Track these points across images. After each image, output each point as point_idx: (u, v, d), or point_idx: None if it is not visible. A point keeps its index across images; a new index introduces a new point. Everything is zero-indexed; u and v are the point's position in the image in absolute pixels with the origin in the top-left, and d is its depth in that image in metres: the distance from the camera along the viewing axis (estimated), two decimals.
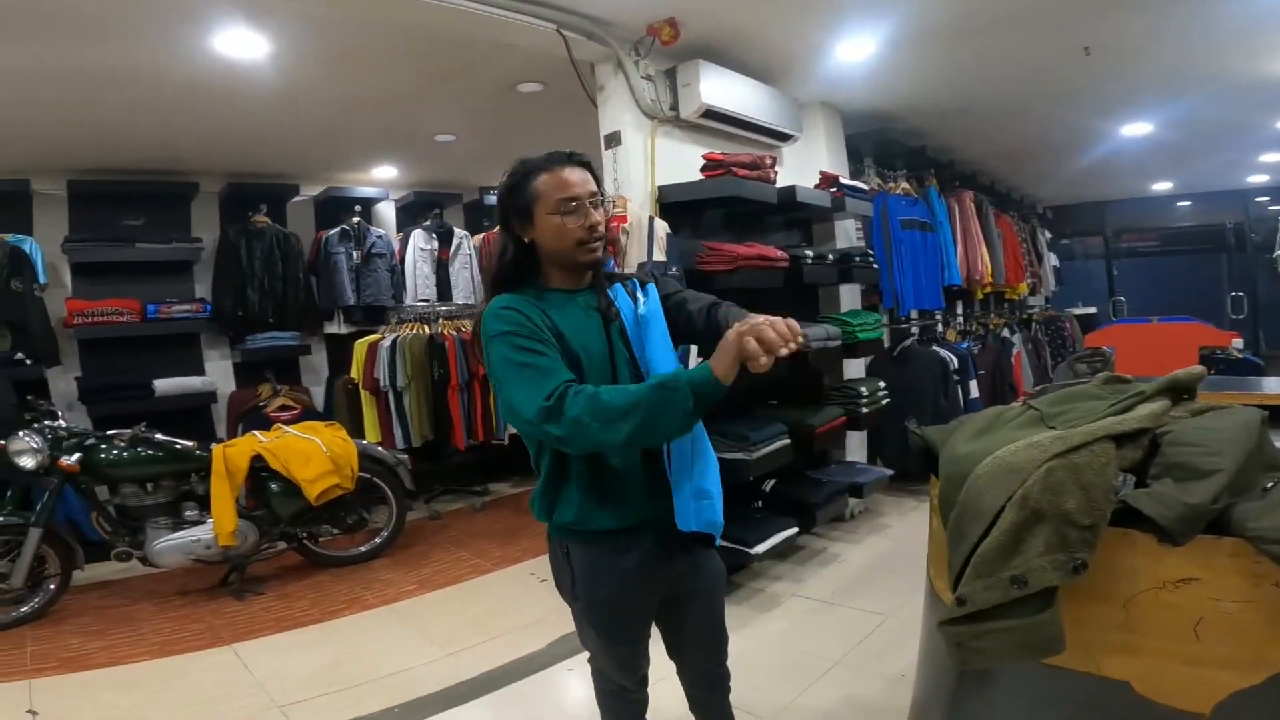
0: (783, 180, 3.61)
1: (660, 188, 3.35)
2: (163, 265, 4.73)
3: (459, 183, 6.03)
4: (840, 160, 4.62)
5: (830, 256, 3.77)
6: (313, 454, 3.74)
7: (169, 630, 3.21)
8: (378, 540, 4.11)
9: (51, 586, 3.42)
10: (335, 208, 5.37)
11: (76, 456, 3.37)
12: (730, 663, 1.66)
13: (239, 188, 4.98)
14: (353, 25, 3.08)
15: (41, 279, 4.22)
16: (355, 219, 5.25)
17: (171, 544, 3.47)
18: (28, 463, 3.31)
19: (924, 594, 1.66)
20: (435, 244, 5.55)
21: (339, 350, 5.35)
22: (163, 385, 4.50)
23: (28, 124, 3.76)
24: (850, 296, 4.42)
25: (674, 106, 3.55)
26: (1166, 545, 1.08)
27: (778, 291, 3.42)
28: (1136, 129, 5.54)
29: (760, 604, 3.13)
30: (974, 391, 4.76)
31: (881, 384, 4.03)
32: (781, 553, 3.43)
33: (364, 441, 4.22)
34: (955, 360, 4.66)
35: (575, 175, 1.35)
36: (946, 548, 1.24)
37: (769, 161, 3.48)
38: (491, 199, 6.08)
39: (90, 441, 3.46)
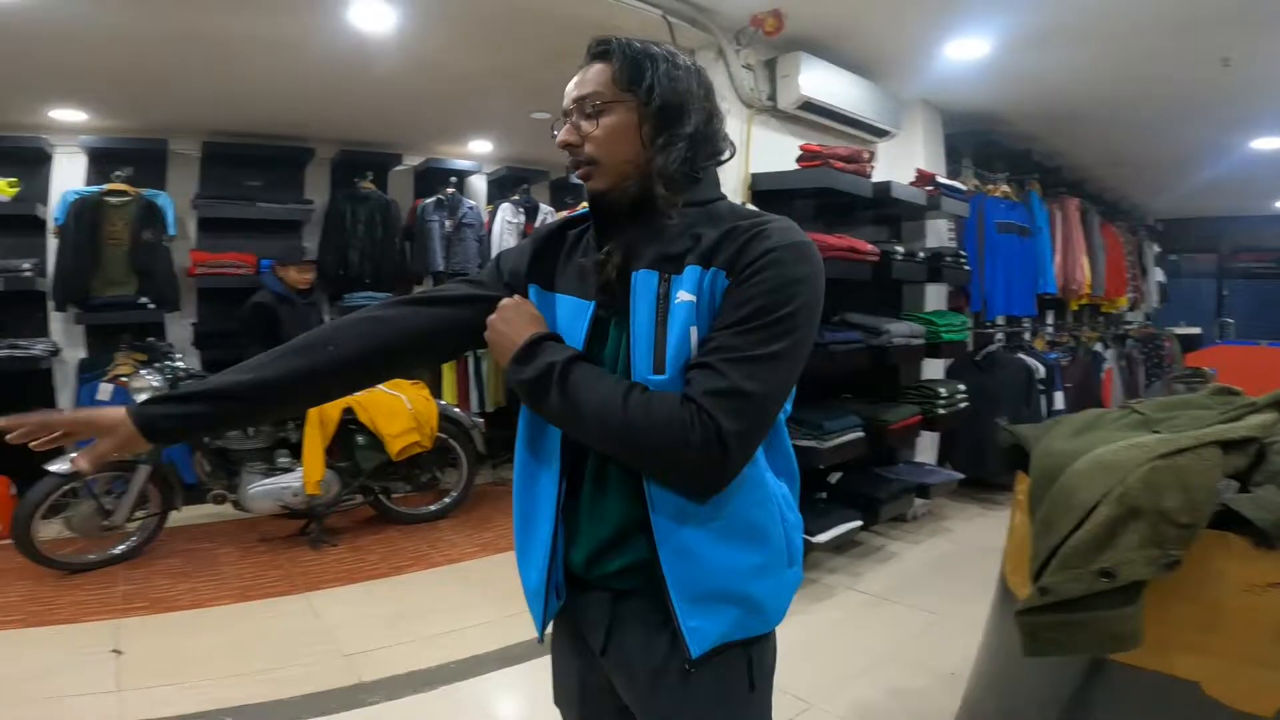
0: (876, 175, 3.58)
1: (753, 175, 3.37)
2: (277, 224, 5.02)
3: (548, 160, 6.17)
4: (938, 158, 4.52)
5: (921, 254, 3.71)
6: (398, 410, 3.91)
7: (250, 576, 3.38)
8: (446, 500, 4.26)
9: (150, 526, 3.54)
10: (432, 178, 5.58)
11: None
12: (779, 647, 1.22)
13: (349, 155, 5.24)
14: (471, 2, 3.18)
15: (171, 231, 4.55)
16: (450, 189, 5.43)
17: (264, 489, 3.62)
18: None
19: (994, 590, 1.66)
20: (521, 218, 5.70)
21: None
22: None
23: (172, 87, 4.02)
24: (936, 296, 4.34)
25: (771, 96, 3.56)
26: (1263, 549, 1.07)
27: (864, 285, 3.40)
28: (1269, 143, 5.18)
29: (814, 594, 3.16)
30: (1058, 403, 4.60)
31: (961, 387, 3.95)
32: (839, 546, 3.43)
33: (444, 402, 4.40)
34: (1042, 369, 4.51)
35: (574, 80, 0.99)
36: (1030, 542, 1.25)
37: (866, 156, 3.45)
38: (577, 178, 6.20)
39: None
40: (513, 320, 0.94)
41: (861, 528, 3.41)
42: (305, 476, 3.64)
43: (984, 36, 3.49)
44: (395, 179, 5.63)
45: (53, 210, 4.44)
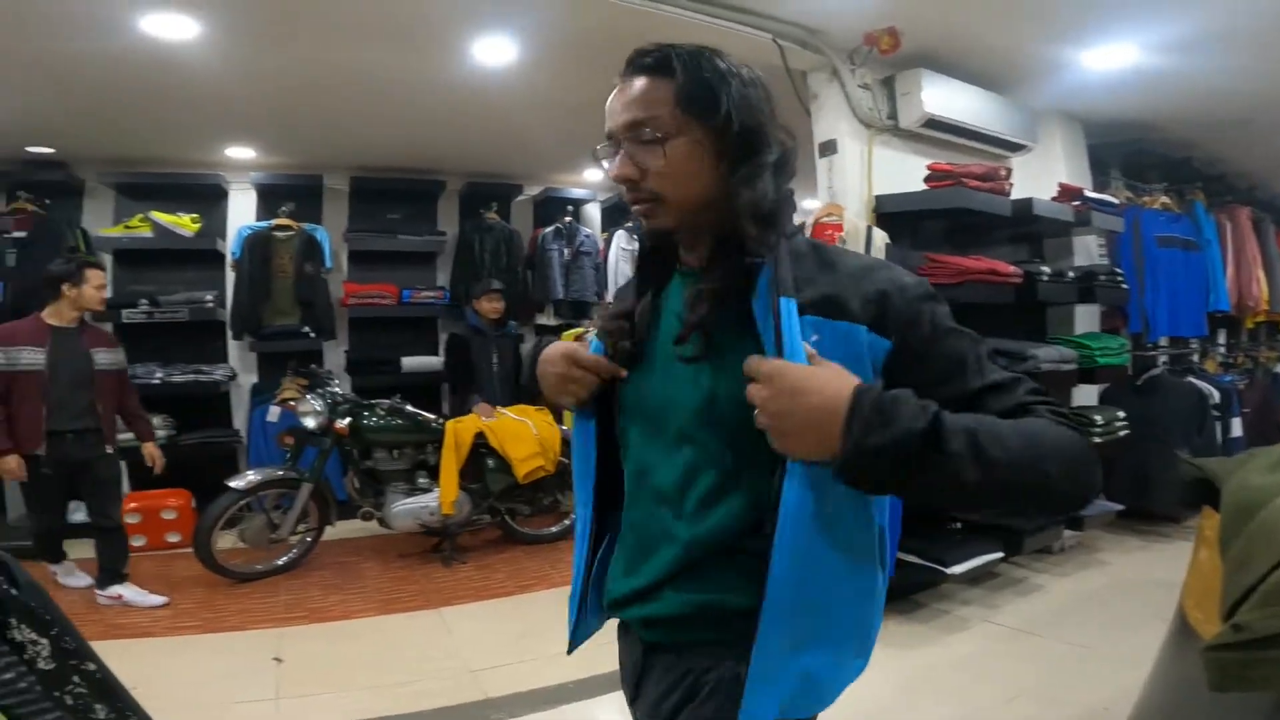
0: (1014, 192, 3.39)
1: (877, 197, 3.29)
2: (414, 255, 5.37)
3: None
4: (1081, 171, 4.24)
5: (1070, 274, 3.47)
6: (524, 435, 4.05)
7: (390, 589, 3.59)
8: (567, 522, 4.35)
9: (308, 539, 3.80)
10: (550, 207, 5.77)
11: (347, 420, 3.80)
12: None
13: (475, 186, 5.52)
14: (584, 31, 3.23)
15: (328, 264, 4.95)
16: (567, 218, 5.58)
17: (406, 508, 3.84)
18: (310, 423, 3.74)
19: (1168, 625, 1.55)
20: (636, 245, 5.79)
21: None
22: (408, 362, 5.11)
23: (325, 125, 4.37)
24: (1086, 318, 4.03)
25: (892, 115, 3.48)
26: None
27: (1004, 308, 3.22)
28: None
29: (946, 625, 2.99)
30: (1235, 430, 4.13)
31: (1120, 414, 3.63)
32: (975, 577, 3.23)
33: (565, 427, 4.53)
34: (1216, 394, 4.06)
35: (619, 97, 0.86)
36: (1221, 579, 1.16)
37: (1003, 173, 3.29)
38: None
39: (356, 408, 3.89)
40: (799, 384, 0.70)
41: (1002, 559, 3.19)
42: (441, 497, 3.84)
43: (1128, 43, 3.28)
44: (516, 209, 5.86)
45: (230, 244, 4.92)
